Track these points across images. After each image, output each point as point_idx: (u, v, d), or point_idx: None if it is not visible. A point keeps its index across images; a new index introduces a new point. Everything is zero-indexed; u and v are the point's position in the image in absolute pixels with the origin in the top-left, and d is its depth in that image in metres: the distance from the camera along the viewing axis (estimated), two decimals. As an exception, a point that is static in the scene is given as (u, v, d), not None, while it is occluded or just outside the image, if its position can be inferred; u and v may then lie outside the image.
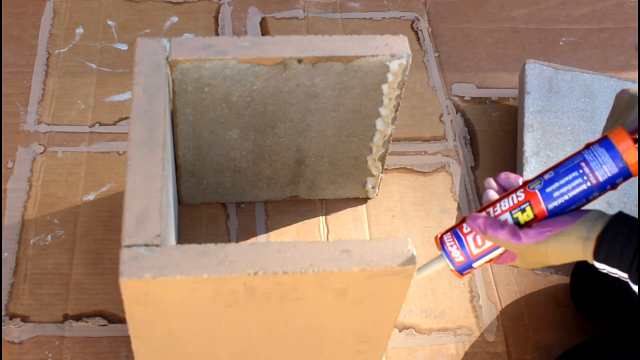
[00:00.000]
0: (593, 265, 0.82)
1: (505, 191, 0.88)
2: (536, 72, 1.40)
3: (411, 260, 0.83)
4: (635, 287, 0.79)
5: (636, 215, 0.85)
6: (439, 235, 0.88)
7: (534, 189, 0.83)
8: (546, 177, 0.82)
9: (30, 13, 1.51)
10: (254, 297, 0.83)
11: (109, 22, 1.51)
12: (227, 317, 0.87)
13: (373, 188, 1.28)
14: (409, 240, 0.84)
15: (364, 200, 1.30)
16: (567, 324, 1.19)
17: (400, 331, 1.16)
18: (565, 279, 1.23)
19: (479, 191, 1.34)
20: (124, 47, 1.47)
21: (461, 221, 0.87)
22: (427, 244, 1.26)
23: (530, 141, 1.30)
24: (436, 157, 1.38)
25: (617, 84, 1.40)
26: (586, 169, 0.80)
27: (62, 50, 1.45)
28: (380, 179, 1.27)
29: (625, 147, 0.79)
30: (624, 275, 0.79)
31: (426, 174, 1.35)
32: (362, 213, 1.29)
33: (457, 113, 1.45)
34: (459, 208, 1.31)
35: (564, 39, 1.61)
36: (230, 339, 0.93)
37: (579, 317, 1.19)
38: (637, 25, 1.66)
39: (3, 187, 1.25)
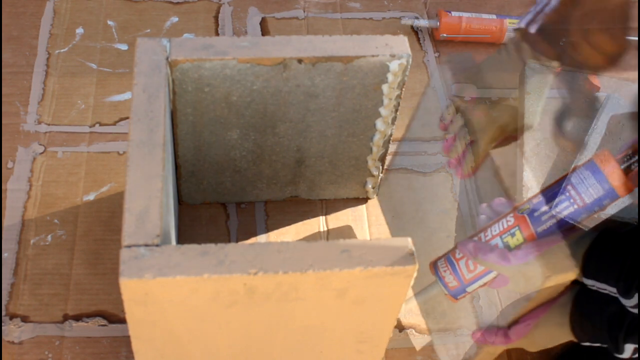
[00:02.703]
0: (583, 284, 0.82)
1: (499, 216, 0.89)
2: (536, 72, 1.40)
3: (411, 260, 0.82)
4: (624, 301, 0.79)
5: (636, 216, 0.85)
6: (433, 262, 0.89)
7: (522, 213, 0.84)
8: (534, 201, 0.84)
9: (30, 13, 1.51)
10: (254, 297, 0.83)
11: (109, 22, 1.51)
12: (227, 318, 0.87)
13: (373, 188, 1.28)
14: (409, 240, 0.84)
15: (364, 200, 1.30)
16: (567, 324, 1.19)
17: (400, 331, 1.16)
18: (565, 279, 1.23)
19: (479, 192, 1.34)
20: (124, 47, 1.47)
21: (454, 247, 0.88)
22: (427, 245, 1.26)
23: (530, 141, 1.30)
24: (436, 158, 1.38)
25: (617, 84, 1.40)
26: (573, 192, 0.81)
27: (62, 50, 1.45)
28: (380, 179, 1.27)
29: (611, 170, 0.80)
30: (612, 290, 0.79)
31: (426, 174, 1.35)
32: (362, 213, 1.29)
33: (457, 113, 1.45)
34: (459, 208, 1.31)
35: (564, 39, 1.61)
36: (230, 339, 0.93)
37: (579, 317, 1.19)
38: (637, 25, 1.66)
39: (3, 187, 1.25)
